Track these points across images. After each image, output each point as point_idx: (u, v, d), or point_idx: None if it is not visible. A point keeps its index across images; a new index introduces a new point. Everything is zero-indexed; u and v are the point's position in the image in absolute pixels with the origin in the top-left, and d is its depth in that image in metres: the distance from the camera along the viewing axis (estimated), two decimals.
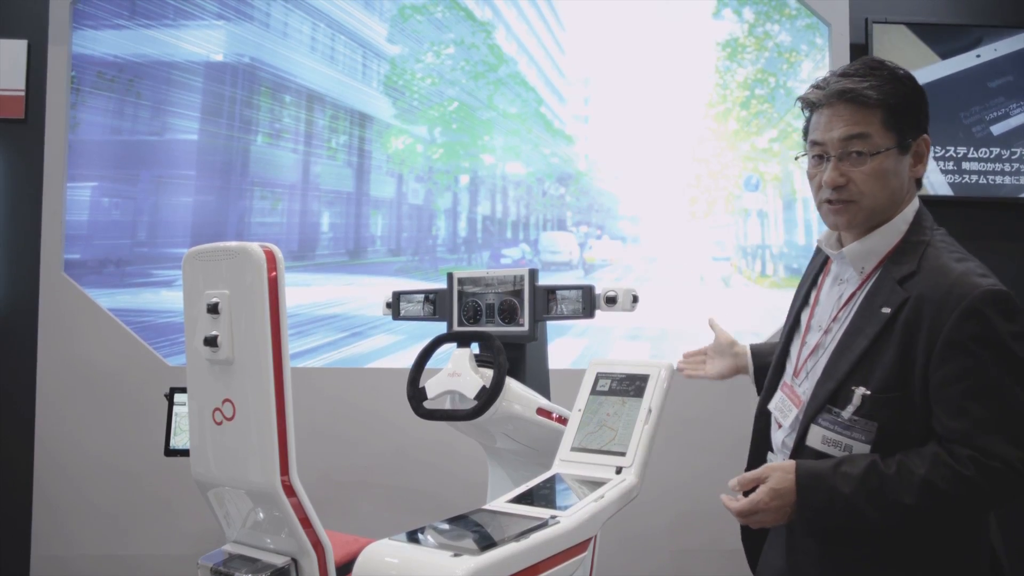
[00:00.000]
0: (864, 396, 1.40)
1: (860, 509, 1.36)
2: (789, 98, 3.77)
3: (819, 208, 1.53)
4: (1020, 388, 1.34)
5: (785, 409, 1.55)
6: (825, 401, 1.45)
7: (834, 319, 1.51)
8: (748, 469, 1.63)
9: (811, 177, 1.53)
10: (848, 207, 1.47)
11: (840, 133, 1.45)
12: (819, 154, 1.50)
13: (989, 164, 3.76)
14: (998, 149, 3.77)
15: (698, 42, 3.79)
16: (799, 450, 1.49)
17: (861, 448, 1.41)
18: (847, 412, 1.42)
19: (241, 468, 1.74)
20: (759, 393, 1.84)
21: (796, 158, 1.57)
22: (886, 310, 1.42)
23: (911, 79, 1.49)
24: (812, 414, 1.47)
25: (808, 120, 1.55)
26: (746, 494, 1.47)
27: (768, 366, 1.78)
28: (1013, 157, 3.77)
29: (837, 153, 1.46)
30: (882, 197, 1.46)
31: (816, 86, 1.52)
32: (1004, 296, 1.36)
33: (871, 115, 1.44)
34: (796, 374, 1.56)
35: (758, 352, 1.89)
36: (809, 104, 1.53)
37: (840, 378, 1.44)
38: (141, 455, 3.33)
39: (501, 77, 3.76)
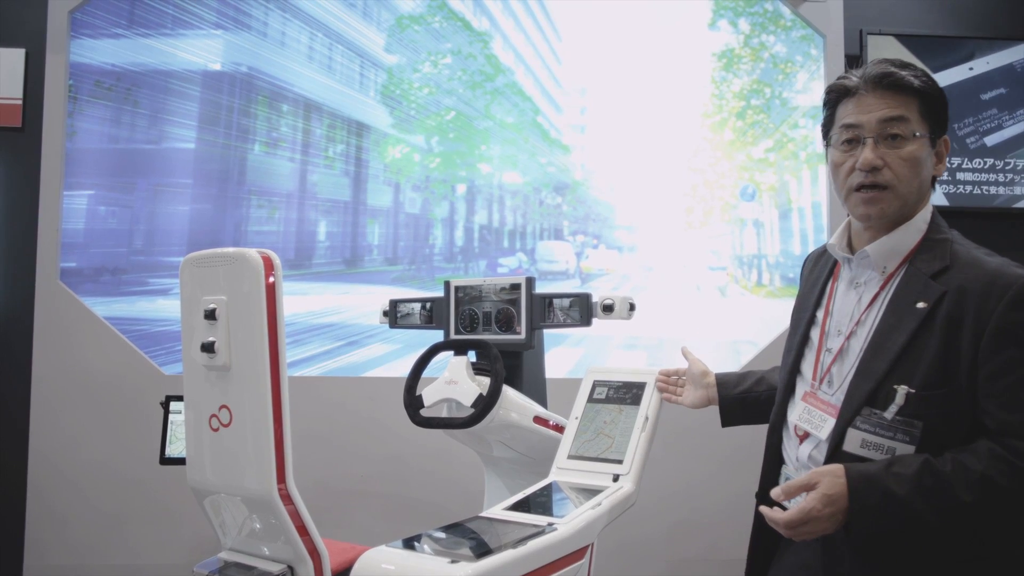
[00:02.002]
0: (909, 394, 1.36)
1: (916, 510, 1.31)
2: (785, 108, 3.80)
3: (847, 198, 1.49)
4: None
5: (816, 420, 1.48)
6: (863, 403, 1.40)
7: (857, 322, 1.47)
8: (762, 485, 1.59)
9: (838, 165, 1.49)
10: (883, 195, 1.44)
11: (880, 115, 1.43)
12: (852, 138, 1.47)
13: (983, 175, 3.79)
14: (991, 160, 3.80)
15: (694, 53, 3.81)
16: (835, 458, 1.41)
17: (904, 450, 1.36)
18: (890, 412, 1.37)
19: (238, 475, 1.73)
20: (723, 423, 1.84)
21: (827, 145, 1.52)
22: (922, 305, 1.38)
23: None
24: (849, 417, 1.41)
25: (831, 113, 1.52)
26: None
27: (734, 398, 1.78)
28: (1007, 168, 3.80)
29: (874, 135, 1.44)
30: (914, 185, 1.44)
31: (845, 76, 1.50)
32: None
33: (909, 101, 1.44)
34: (819, 381, 1.50)
35: (724, 383, 1.85)
36: (842, 91, 1.49)
37: (879, 377, 1.39)
38: (136, 464, 3.31)
39: (498, 87, 3.77)
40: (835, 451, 1.42)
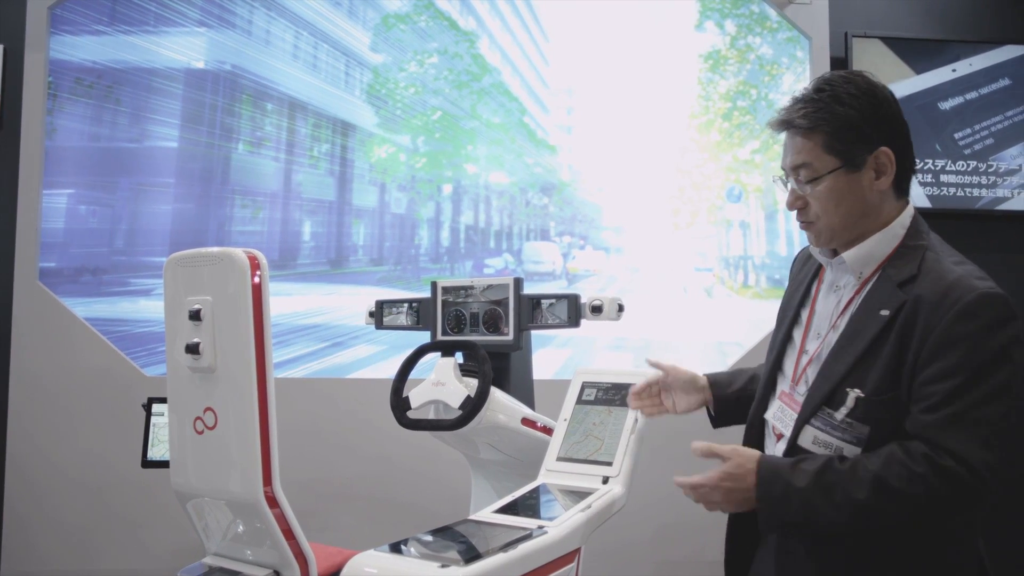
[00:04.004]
0: (858, 398, 1.40)
1: (814, 504, 1.36)
2: (771, 110, 3.80)
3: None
4: (1005, 394, 1.32)
5: (785, 418, 1.53)
6: (820, 402, 1.45)
7: (833, 325, 1.51)
8: None
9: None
10: (811, 227, 1.52)
11: (788, 162, 1.52)
12: (784, 177, 1.56)
13: (967, 176, 3.81)
14: (975, 162, 3.82)
15: (680, 54, 3.81)
16: (791, 451, 1.47)
17: (851, 451, 1.40)
18: (840, 413, 1.42)
19: (222, 478, 1.71)
20: (713, 424, 1.85)
21: (774, 180, 1.60)
22: (884, 312, 1.42)
23: (866, 94, 1.46)
24: (807, 415, 1.46)
25: None
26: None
27: (729, 397, 1.79)
28: (990, 170, 3.82)
29: (791, 178, 1.52)
30: (837, 217, 1.47)
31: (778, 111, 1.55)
32: (1001, 300, 1.35)
33: (811, 141, 1.47)
34: (796, 382, 1.55)
35: (717, 383, 1.83)
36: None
37: (836, 380, 1.43)
38: (117, 467, 3.27)
39: (484, 87, 3.76)
40: (792, 445, 1.48)
